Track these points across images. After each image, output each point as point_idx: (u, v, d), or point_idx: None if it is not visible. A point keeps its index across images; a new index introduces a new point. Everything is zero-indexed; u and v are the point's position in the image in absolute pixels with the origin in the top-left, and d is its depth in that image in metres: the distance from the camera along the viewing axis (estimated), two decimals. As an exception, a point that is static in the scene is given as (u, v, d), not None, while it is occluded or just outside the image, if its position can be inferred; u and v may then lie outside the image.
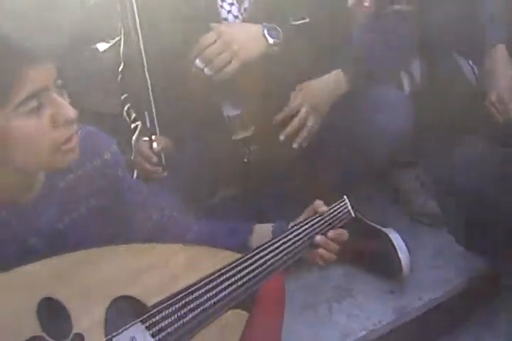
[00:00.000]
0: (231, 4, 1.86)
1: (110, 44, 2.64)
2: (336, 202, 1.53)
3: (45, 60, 1.15)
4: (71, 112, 1.17)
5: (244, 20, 1.87)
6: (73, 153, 1.22)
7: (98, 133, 1.41)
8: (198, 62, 1.78)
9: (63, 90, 1.20)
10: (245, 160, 1.94)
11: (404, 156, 2.17)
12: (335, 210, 1.51)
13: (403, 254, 1.90)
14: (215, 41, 1.77)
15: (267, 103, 1.88)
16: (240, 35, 1.78)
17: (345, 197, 1.54)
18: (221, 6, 1.86)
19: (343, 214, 1.53)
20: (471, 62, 2.21)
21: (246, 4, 1.87)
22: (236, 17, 1.87)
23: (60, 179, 1.31)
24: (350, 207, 1.54)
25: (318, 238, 1.46)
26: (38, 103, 1.14)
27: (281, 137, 1.89)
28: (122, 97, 1.98)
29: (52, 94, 1.16)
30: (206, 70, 1.78)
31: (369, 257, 1.95)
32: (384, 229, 1.96)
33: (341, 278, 2.00)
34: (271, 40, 1.80)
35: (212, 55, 1.77)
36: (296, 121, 1.89)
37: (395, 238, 1.92)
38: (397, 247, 1.90)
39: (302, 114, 1.89)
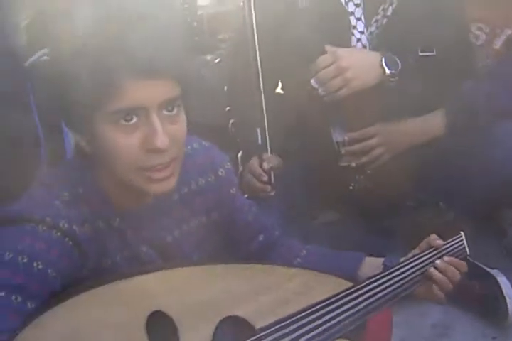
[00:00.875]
0: (361, 33, 1.83)
1: (220, 55, 2.65)
2: (451, 237, 1.47)
3: (155, 77, 1.09)
4: (159, 142, 1.11)
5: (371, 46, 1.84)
6: (163, 184, 1.16)
7: (214, 149, 1.40)
8: (313, 82, 1.76)
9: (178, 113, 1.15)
10: (351, 187, 1.89)
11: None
12: (451, 245, 1.45)
13: (510, 299, 1.80)
14: (330, 64, 1.74)
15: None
16: (356, 63, 1.74)
17: (461, 232, 1.48)
18: (352, 33, 1.83)
19: (458, 251, 1.46)
20: None
21: (373, 28, 1.84)
22: (364, 46, 1.84)
23: (175, 191, 1.29)
24: (466, 244, 1.47)
25: (438, 262, 1.40)
26: (131, 118, 1.10)
27: (342, 151, 1.84)
28: (227, 109, 1.98)
29: (152, 116, 1.11)
30: (320, 90, 1.76)
31: (473, 299, 1.86)
32: (491, 271, 1.87)
33: (440, 316, 1.91)
34: (388, 71, 1.75)
35: (326, 78, 1.74)
36: (361, 145, 1.84)
37: (503, 281, 1.82)
38: (504, 291, 1.81)
39: (373, 142, 1.83)
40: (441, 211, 1.89)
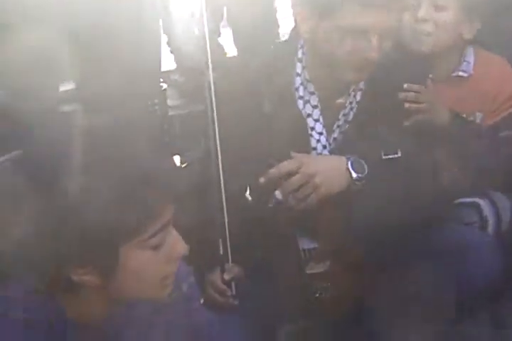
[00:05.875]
0: (320, 133, 1.83)
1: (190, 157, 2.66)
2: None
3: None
4: (184, 248, 1.16)
5: (332, 151, 1.84)
6: (169, 287, 1.19)
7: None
8: (277, 193, 1.73)
9: None
10: (317, 295, 1.86)
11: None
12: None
13: None
14: (296, 172, 1.73)
15: (345, 239, 1.82)
16: (322, 168, 1.73)
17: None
18: (310, 135, 1.83)
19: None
20: None
21: (336, 134, 1.85)
22: (324, 147, 1.84)
23: (136, 309, 1.27)
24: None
25: None
26: (162, 236, 1.12)
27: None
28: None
29: (170, 228, 1.15)
30: (286, 202, 1.73)
31: None
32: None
33: None
34: (354, 175, 1.74)
35: (293, 187, 1.72)
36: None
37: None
38: None
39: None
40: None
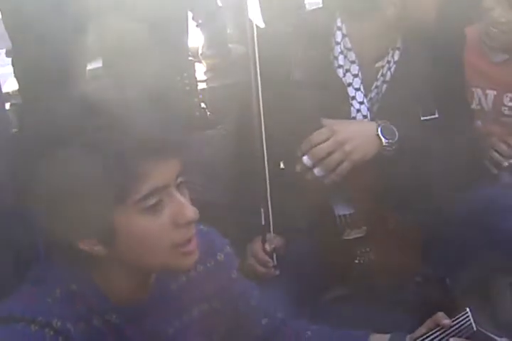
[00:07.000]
0: (361, 103, 1.81)
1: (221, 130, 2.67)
2: (458, 314, 1.44)
3: (171, 155, 1.11)
4: (191, 213, 1.12)
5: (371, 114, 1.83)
6: (193, 256, 1.17)
7: (212, 233, 1.39)
8: (305, 159, 1.74)
9: (184, 186, 1.16)
10: (357, 261, 1.87)
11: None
12: (457, 323, 1.42)
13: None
14: (327, 139, 1.73)
15: (381, 203, 1.82)
16: (353, 135, 1.73)
17: (467, 309, 1.45)
18: (351, 104, 1.81)
19: (464, 328, 1.43)
20: None
21: (373, 94, 1.83)
22: (365, 117, 1.82)
23: (173, 281, 1.28)
24: (472, 320, 1.44)
25: None
26: (157, 200, 1.10)
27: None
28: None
29: (173, 192, 1.12)
30: (317, 170, 1.74)
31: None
32: (499, 339, 1.82)
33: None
34: (384, 141, 1.74)
35: (323, 154, 1.73)
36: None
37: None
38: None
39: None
40: (446, 287, 1.86)
